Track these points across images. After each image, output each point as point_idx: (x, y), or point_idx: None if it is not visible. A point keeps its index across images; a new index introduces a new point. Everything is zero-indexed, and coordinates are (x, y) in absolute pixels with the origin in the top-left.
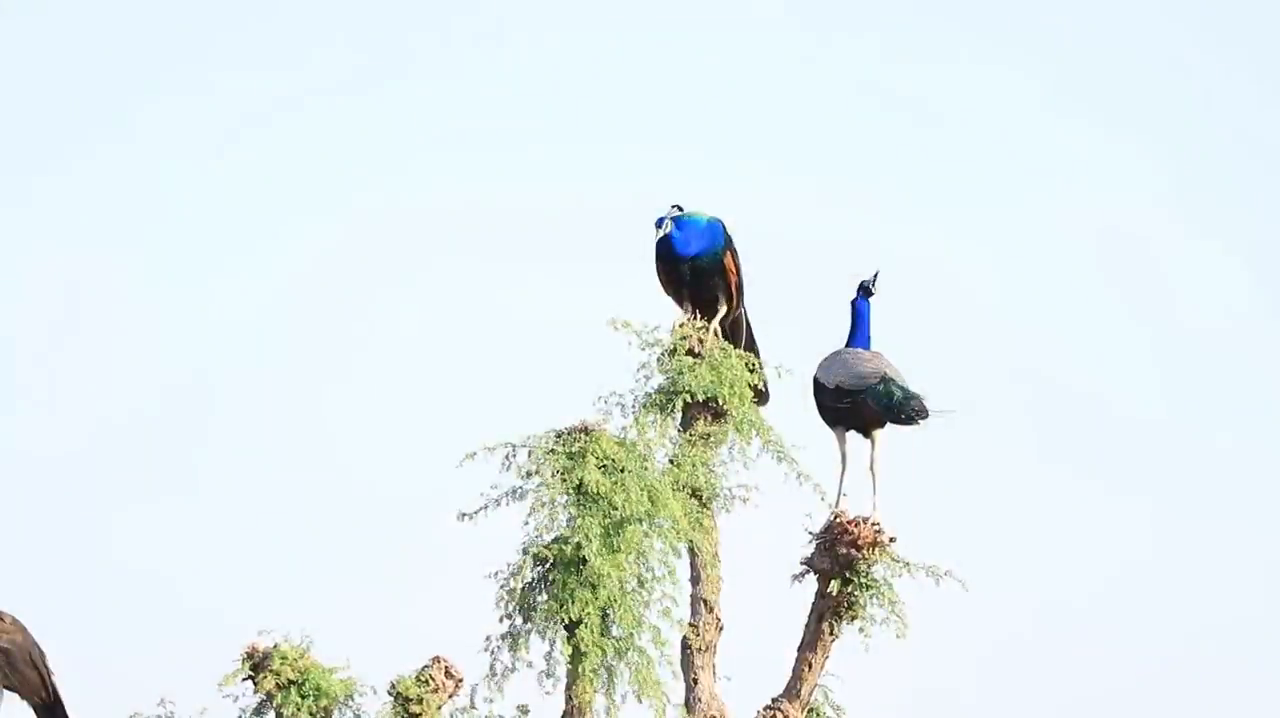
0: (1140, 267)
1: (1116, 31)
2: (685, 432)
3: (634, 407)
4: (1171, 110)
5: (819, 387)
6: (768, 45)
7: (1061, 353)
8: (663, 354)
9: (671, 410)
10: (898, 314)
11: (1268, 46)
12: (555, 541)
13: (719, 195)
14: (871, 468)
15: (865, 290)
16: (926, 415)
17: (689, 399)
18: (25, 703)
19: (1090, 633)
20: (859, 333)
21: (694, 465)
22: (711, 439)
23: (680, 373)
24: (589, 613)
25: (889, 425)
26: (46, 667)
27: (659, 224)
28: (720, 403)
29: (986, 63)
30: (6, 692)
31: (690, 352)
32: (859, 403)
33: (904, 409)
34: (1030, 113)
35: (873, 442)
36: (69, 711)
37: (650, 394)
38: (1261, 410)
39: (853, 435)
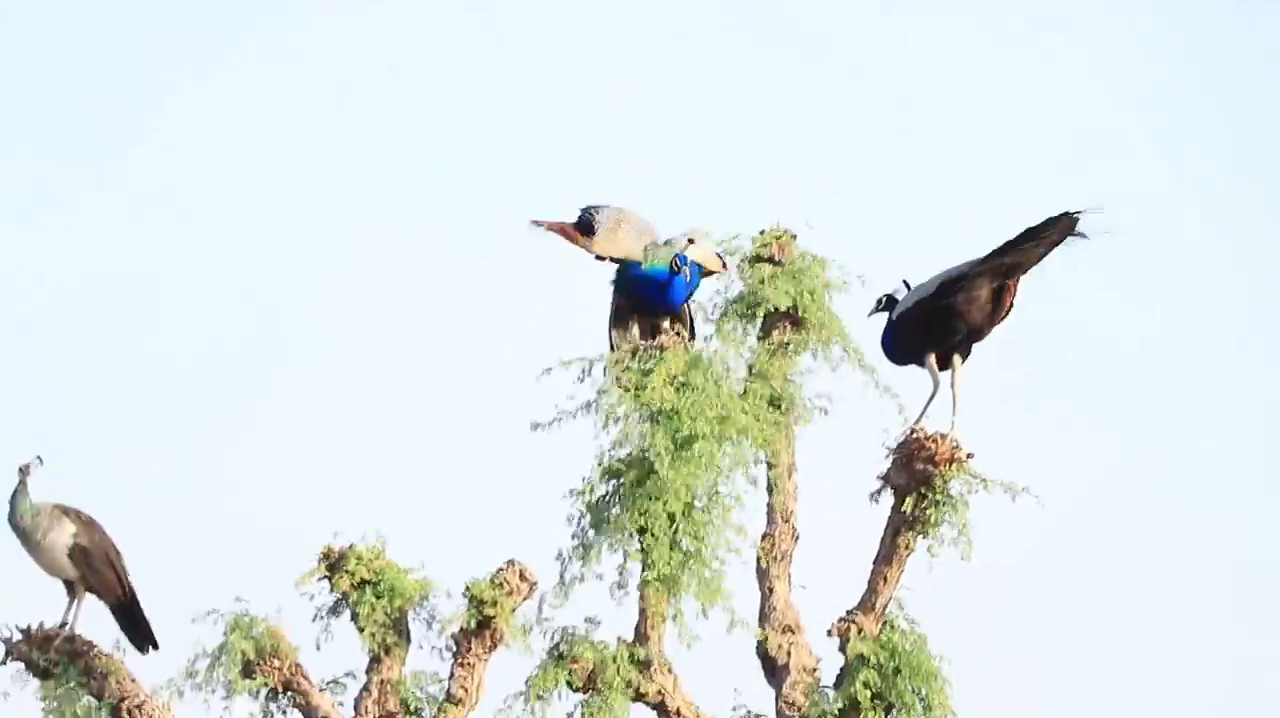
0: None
1: None
2: (764, 340)
3: (713, 315)
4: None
5: (911, 311)
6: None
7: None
8: (742, 262)
9: (752, 319)
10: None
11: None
12: (627, 454)
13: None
14: (953, 387)
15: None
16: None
17: (770, 308)
18: (103, 602)
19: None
20: None
21: (772, 375)
22: (790, 348)
23: (760, 281)
24: (659, 525)
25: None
26: (123, 566)
27: (680, 262)
28: (800, 312)
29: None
30: (86, 591)
31: (770, 259)
32: (983, 281)
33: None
34: None
35: (954, 364)
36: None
37: (730, 302)
38: None
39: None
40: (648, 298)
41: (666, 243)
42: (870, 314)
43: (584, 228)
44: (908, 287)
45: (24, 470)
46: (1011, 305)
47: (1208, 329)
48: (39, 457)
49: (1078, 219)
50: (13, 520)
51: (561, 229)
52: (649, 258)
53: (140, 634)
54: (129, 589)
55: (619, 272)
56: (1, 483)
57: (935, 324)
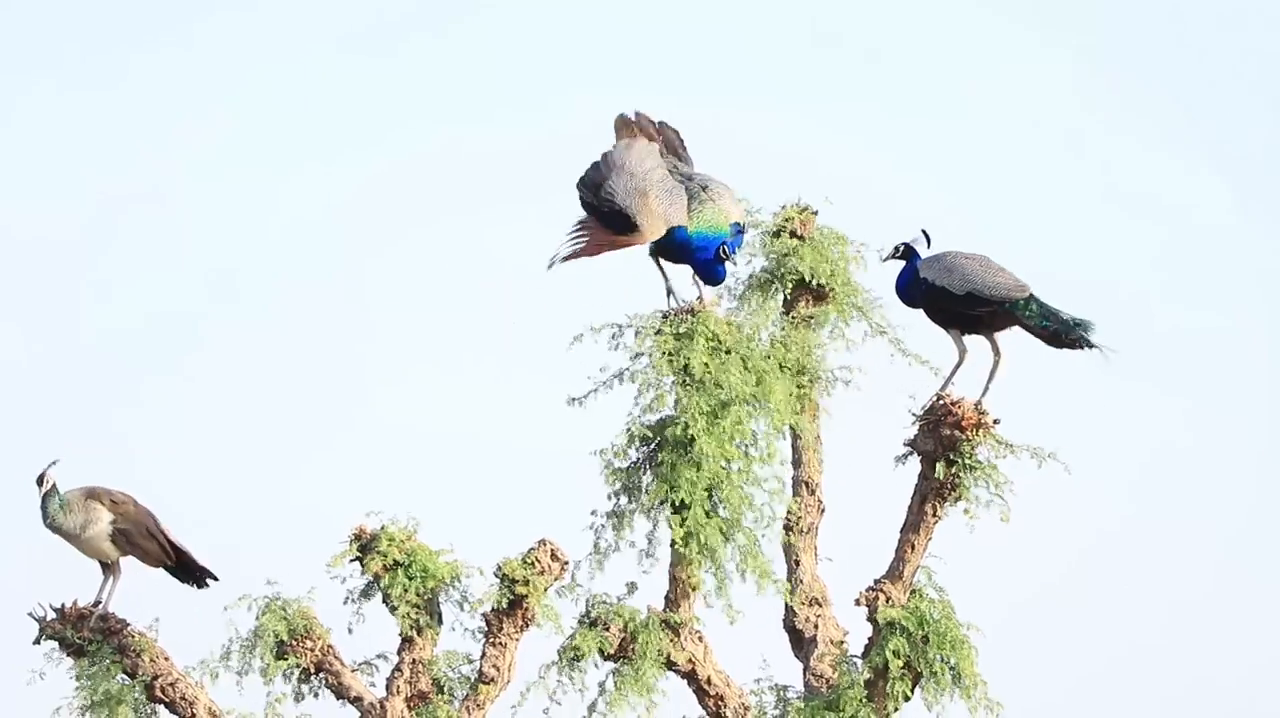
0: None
1: None
2: (788, 313)
3: (738, 288)
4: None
5: (939, 291)
6: None
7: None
8: (766, 235)
9: (774, 292)
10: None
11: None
12: (661, 421)
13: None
14: (994, 370)
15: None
16: (1089, 346)
17: (794, 280)
18: (151, 567)
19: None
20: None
21: (796, 347)
22: (814, 320)
23: (785, 254)
24: (696, 493)
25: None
26: (162, 531)
27: (730, 249)
28: (822, 285)
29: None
30: (128, 559)
31: (793, 233)
32: (998, 314)
33: (1069, 335)
34: None
35: (996, 343)
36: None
37: (754, 275)
38: None
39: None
40: (692, 264)
41: (697, 193)
42: (885, 260)
43: (620, 224)
44: (926, 236)
45: (42, 479)
46: None
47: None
48: (55, 460)
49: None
50: (50, 525)
51: (599, 247)
52: (695, 220)
53: (198, 577)
54: (173, 551)
55: (667, 240)
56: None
57: (954, 319)
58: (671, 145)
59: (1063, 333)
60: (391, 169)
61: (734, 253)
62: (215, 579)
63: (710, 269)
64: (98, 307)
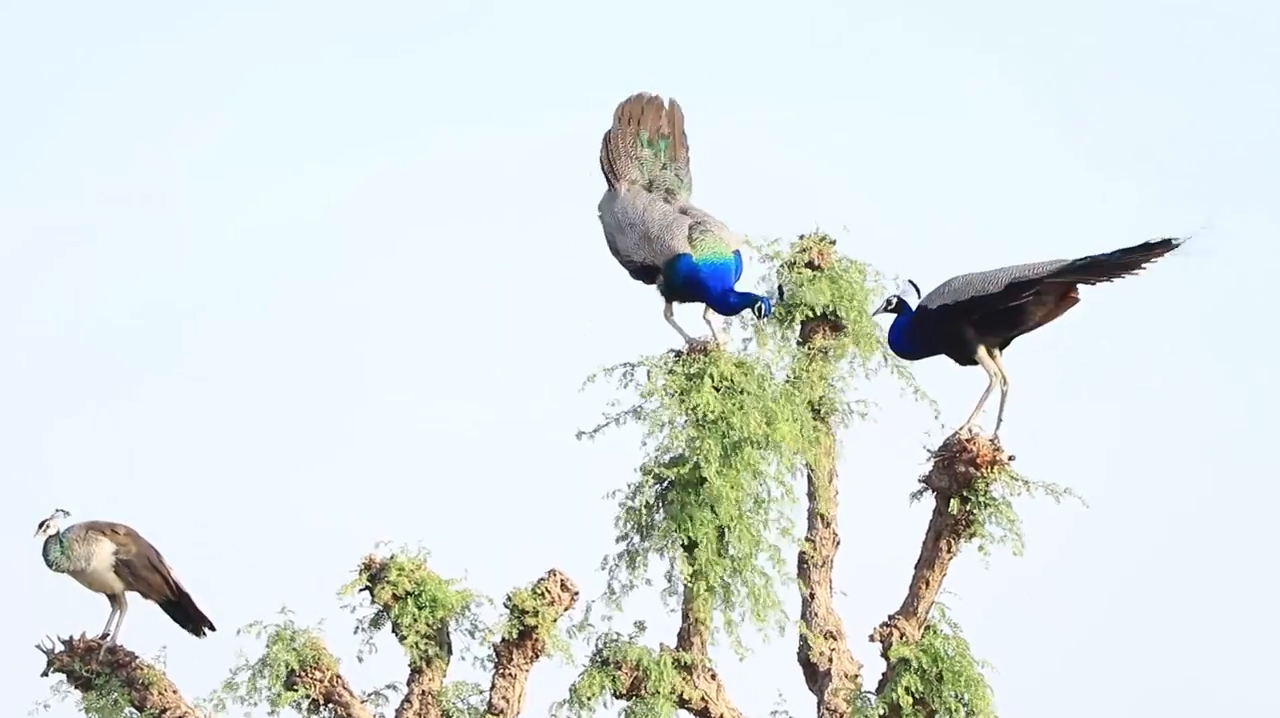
0: None
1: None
2: (804, 345)
3: (754, 320)
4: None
5: (968, 305)
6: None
7: None
8: (782, 267)
9: (790, 324)
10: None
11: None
12: (674, 460)
13: None
14: (1002, 390)
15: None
16: (1171, 247)
17: (809, 313)
18: (153, 602)
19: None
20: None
21: (812, 380)
22: (830, 353)
23: (800, 286)
24: (707, 532)
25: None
26: (166, 566)
27: (773, 301)
28: (839, 316)
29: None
30: (132, 594)
31: (810, 264)
32: (1046, 290)
33: (1152, 248)
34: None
35: (996, 355)
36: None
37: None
38: None
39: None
40: (704, 294)
41: (698, 224)
42: (875, 313)
43: (650, 275)
44: (915, 287)
45: (44, 526)
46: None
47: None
48: (62, 510)
49: (1178, 244)
50: (55, 568)
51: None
52: (698, 249)
53: (195, 622)
54: (175, 586)
55: (670, 267)
56: None
57: (998, 321)
58: (679, 132)
59: (1128, 258)
60: (390, 173)
61: (769, 312)
62: (213, 629)
63: (724, 300)
64: (89, 308)
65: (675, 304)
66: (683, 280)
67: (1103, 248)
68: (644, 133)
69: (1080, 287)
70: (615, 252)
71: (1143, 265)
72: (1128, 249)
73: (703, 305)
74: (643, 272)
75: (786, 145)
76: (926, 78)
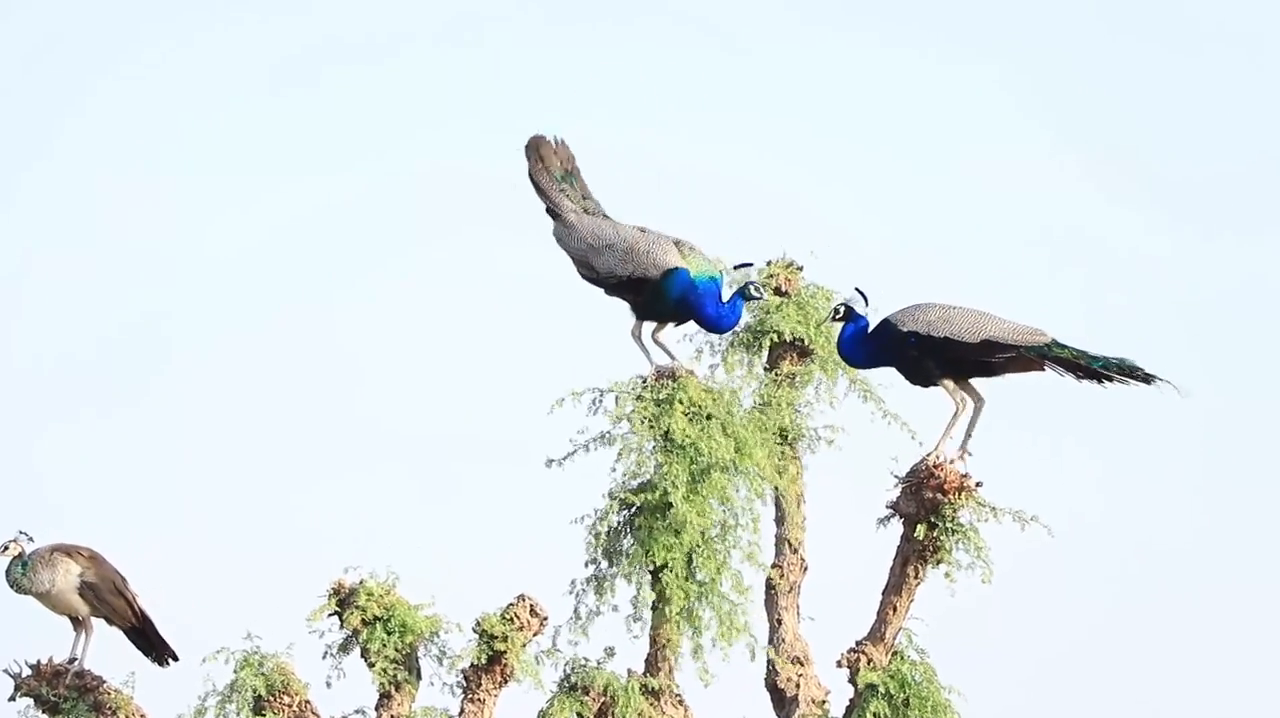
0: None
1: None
2: (771, 371)
3: (721, 345)
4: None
5: (942, 342)
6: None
7: None
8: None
9: (758, 350)
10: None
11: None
12: (641, 486)
13: None
14: (976, 407)
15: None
16: (1148, 380)
17: (776, 339)
18: (116, 627)
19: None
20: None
21: (780, 406)
22: (797, 379)
23: (767, 312)
24: (674, 558)
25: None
26: (131, 592)
27: (751, 292)
28: (806, 342)
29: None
30: (97, 619)
31: (777, 290)
32: (1016, 359)
33: (1124, 372)
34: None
35: (968, 387)
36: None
37: (738, 333)
38: None
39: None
40: (696, 312)
41: (681, 242)
42: (824, 322)
43: (636, 287)
44: (862, 294)
45: (6, 548)
46: None
47: None
48: (23, 532)
49: (1155, 381)
50: (18, 590)
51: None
52: (692, 264)
53: (158, 651)
54: (140, 613)
55: (666, 279)
56: None
57: (966, 366)
58: (574, 168)
59: (1108, 371)
60: (360, 197)
61: (760, 295)
62: (176, 660)
63: (718, 319)
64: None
65: (649, 322)
66: (679, 293)
67: (1088, 348)
68: (555, 169)
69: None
70: (592, 271)
71: (1114, 382)
72: (1107, 365)
73: (657, 325)
74: (627, 286)
75: (754, 168)
76: (887, 102)
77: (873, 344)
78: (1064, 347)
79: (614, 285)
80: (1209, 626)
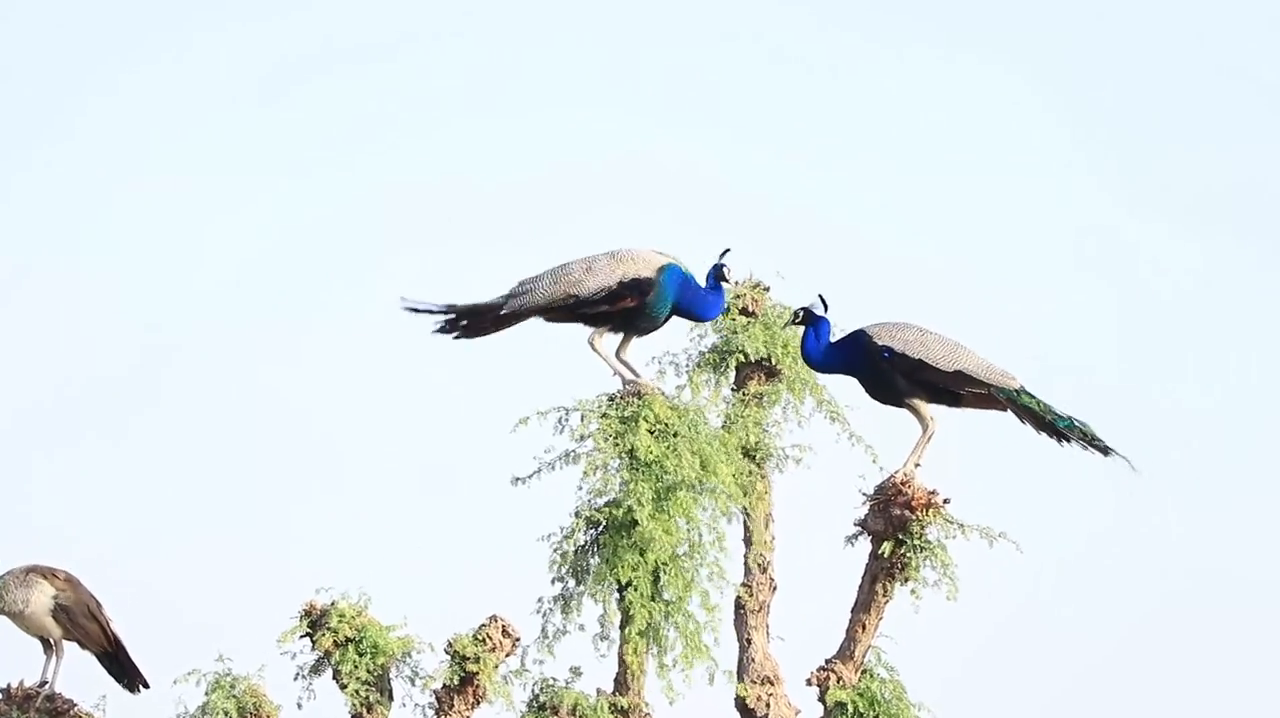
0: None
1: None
2: (738, 391)
3: (688, 366)
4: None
5: (915, 363)
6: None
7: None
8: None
9: (725, 370)
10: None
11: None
12: (607, 504)
13: None
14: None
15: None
16: (1105, 452)
17: (742, 359)
18: (88, 651)
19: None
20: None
21: (747, 426)
22: (765, 399)
23: (734, 332)
24: (639, 576)
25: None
26: (105, 616)
27: (725, 274)
28: (773, 362)
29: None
30: (70, 643)
31: (744, 311)
32: (983, 397)
33: (1080, 438)
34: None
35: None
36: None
37: (704, 353)
38: None
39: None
40: (689, 304)
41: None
42: (785, 326)
43: (631, 289)
44: (822, 300)
45: None
46: None
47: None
48: None
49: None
50: None
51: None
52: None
53: (130, 677)
54: (113, 638)
55: (663, 275)
56: None
57: (935, 391)
58: None
59: (1069, 432)
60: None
61: (731, 278)
62: (147, 687)
63: (716, 303)
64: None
65: (623, 334)
66: (678, 285)
67: (1054, 404)
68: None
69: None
70: (575, 300)
71: (1072, 443)
72: (1070, 426)
73: (622, 341)
74: (626, 289)
75: (761, 173)
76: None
77: (843, 352)
78: (1032, 396)
79: (599, 306)
80: (1184, 644)
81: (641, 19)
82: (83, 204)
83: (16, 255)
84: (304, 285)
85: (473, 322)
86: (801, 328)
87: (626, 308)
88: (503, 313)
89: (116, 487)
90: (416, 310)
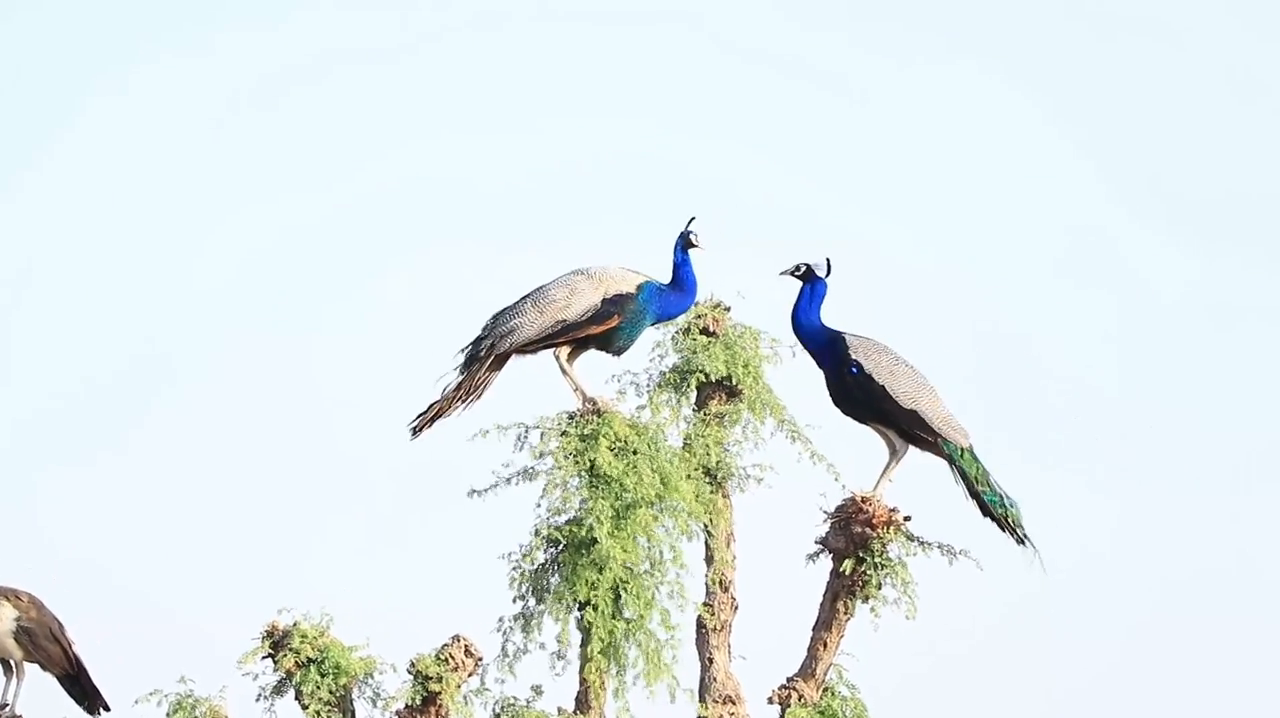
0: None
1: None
2: (699, 411)
3: (648, 385)
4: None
5: (878, 389)
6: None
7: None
8: (677, 333)
9: (685, 389)
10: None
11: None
12: (567, 522)
13: None
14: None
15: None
16: (1020, 540)
17: (703, 378)
18: (50, 674)
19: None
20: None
21: (708, 445)
22: (725, 418)
23: (694, 352)
24: (599, 594)
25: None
26: (67, 639)
27: (692, 240)
28: (734, 382)
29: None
30: (31, 665)
31: (705, 330)
32: (930, 444)
33: (1000, 517)
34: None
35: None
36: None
37: (665, 373)
38: None
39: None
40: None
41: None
42: (782, 274)
43: (609, 308)
44: (828, 263)
45: None
46: None
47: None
48: None
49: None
50: None
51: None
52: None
53: (91, 700)
54: (75, 660)
55: (641, 290)
56: None
57: (894, 418)
58: None
59: (992, 508)
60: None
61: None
62: (107, 710)
63: (691, 291)
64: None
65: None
66: (657, 300)
67: (994, 479)
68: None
69: None
70: (562, 325)
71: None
72: (1000, 504)
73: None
74: (611, 307)
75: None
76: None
77: (821, 341)
78: (976, 462)
79: (587, 328)
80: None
81: (643, 21)
82: (83, 205)
83: (17, 258)
84: (264, 304)
85: (469, 385)
86: (799, 283)
87: (611, 328)
88: (499, 354)
89: (74, 506)
90: (430, 422)
